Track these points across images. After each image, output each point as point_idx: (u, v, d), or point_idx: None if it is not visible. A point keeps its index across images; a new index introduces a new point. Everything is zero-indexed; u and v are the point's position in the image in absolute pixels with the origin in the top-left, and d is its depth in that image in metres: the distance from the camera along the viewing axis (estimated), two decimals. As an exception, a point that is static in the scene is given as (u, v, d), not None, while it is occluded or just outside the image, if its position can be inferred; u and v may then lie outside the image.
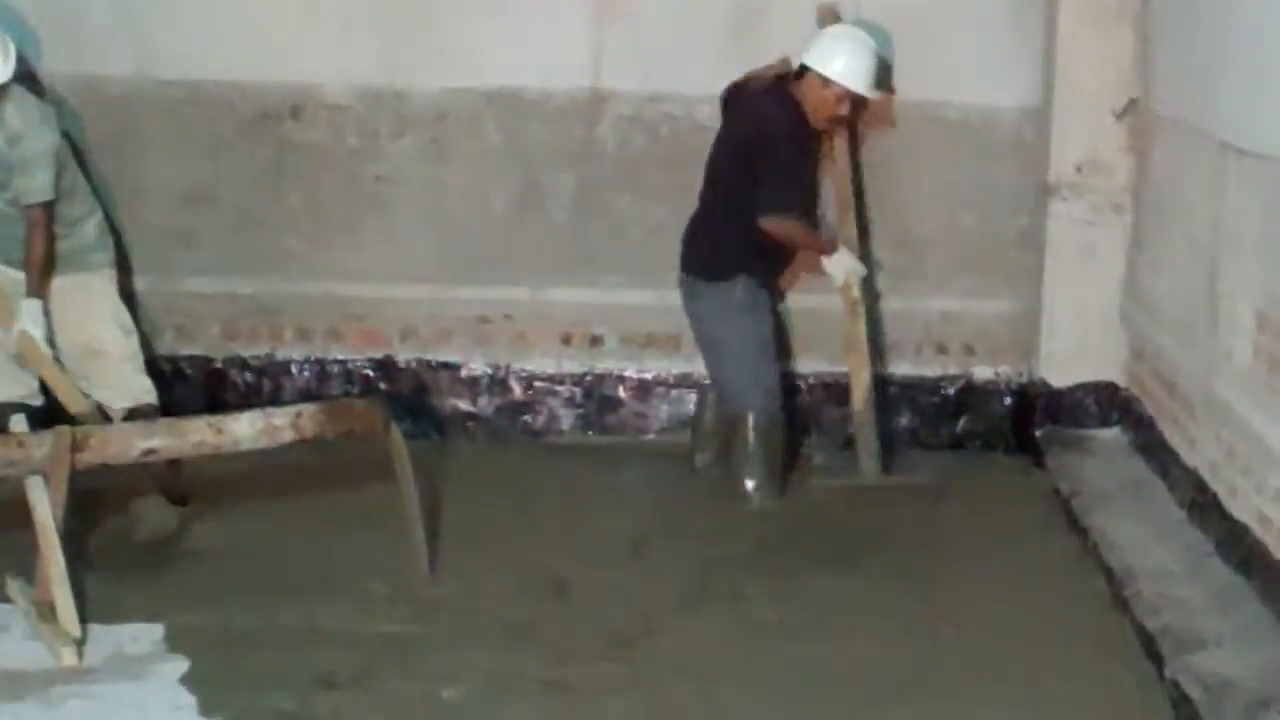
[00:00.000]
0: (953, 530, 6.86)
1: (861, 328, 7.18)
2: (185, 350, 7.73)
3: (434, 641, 5.68)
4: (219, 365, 7.79)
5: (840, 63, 6.88)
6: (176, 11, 7.54)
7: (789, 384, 7.44)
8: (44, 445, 5.67)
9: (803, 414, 7.63)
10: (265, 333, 7.81)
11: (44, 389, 6.77)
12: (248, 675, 5.40)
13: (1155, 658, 5.45)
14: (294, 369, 7.82)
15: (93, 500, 6.19)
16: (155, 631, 5.66)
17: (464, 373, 7.82)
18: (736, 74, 7.38)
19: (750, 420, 6.99)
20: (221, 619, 5.77)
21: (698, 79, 7.54)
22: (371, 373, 7.80)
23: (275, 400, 7.54)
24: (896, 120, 7.49)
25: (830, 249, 7.11)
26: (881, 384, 7.57)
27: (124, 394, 6.75)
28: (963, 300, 7.74)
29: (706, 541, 6.63)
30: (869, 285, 7.42)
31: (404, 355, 7.81)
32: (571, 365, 7.81)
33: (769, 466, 6.99)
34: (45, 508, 5.59)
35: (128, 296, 7.12)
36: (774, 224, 6.87)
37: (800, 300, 7.55)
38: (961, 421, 7.79)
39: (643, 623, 5.86)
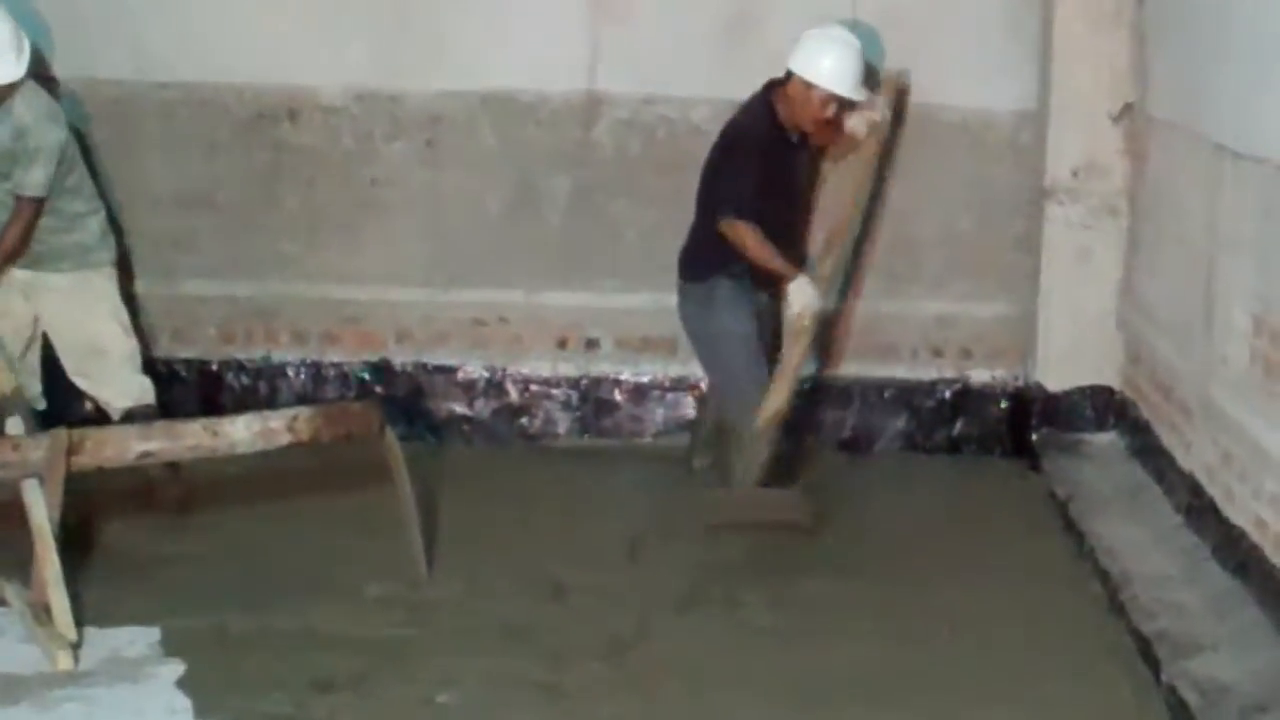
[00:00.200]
0: (948, 534, 6.86)
1: (800, 359, 6.92)
2: (181, 353, 7.73)
3: (430, 645, 5.68)
4: (215, 368, 7.78)
5: (823, 65, 6.80)
6: (173, 14, 7.54)
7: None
8: (40, 448, 5.66)
9: (798, 415, 7.62)
10: (261, 335, 7.81)
11: (48, 394, 6.78)
12: (244, 679, 5.39)
13: (1152, 662, 5.45)
14: (290, 372, 7.81)
15: (89, 503, 6.18)
16: (151, 635, 5.66)
17: (460, 376, 7.82)
18: (732, 78, 7.39)
19: (730, 422, 7.00)
20: (218, 622, 5.76)
21: (693, 82, 7.56)
22: (367, 376, 7.80)
23: (271, 403, 7.54)
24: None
25: (790, 273, 6.83)
26: (880, 388, 7.60)
27: (123, 393, 6.76)
28: (959, 303, 7.74)
29: (702, 545, 6.62)
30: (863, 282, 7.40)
31: (400, 358, 7.81)
32: (567, 368, 7.81)
33: (748, 468, 6.97)
34: (41, 510, 5.59)
35: (124, 299, 7.10)
36: (726, 228, 6.82)
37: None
38: (957, 425, 7.79)
39: (639, 626, 5.86)
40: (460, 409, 7.82)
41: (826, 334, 7.55)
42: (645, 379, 7.80)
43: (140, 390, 6.81)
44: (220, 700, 5.24)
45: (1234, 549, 5.86)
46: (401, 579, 6.10)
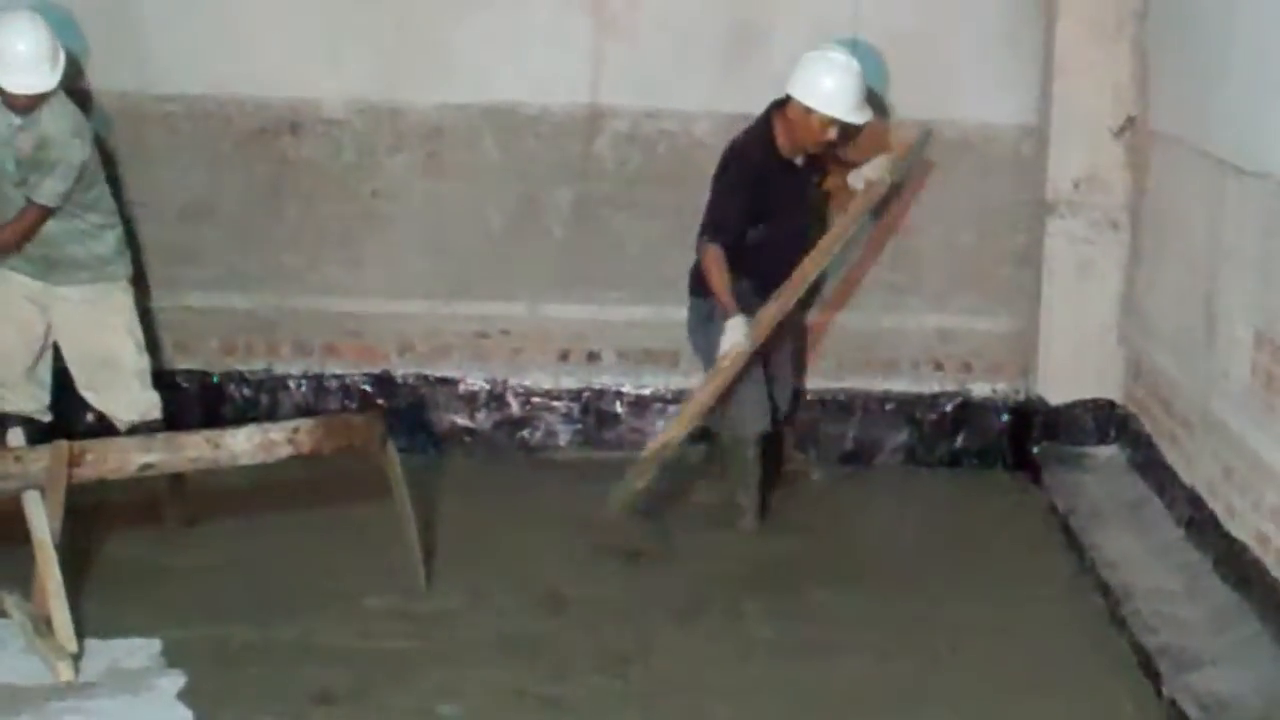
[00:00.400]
0: (950, 548, 6.86)
1: (710, 398, 6.82)
2: (183, 364, 7.73)
3: (431, 657, 5.67)
4: (217, 380, 7.78)
5: (822, 89, 6.72)
6: (175, 27, 7.53)
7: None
8: (41, 459, 5.66)
9: (800, 429, 7.63)
10: (263, 348, 7.81)
11: (55, 407, 6.82)
12: (245, 690, 5.40)
13: (1153, 676, 5.45)
14: (292, 384, 7.81)
15: (90, 514, 6.18)
16: (152, 646, 5.66)
17: (461, 388, 7.82)
18: (733, 92, 7.41)
19: (727, 436, 7.01)
20: (219, 634, 5.76)
21: (696, 96, 7.57)
22: (369, 388, 7.80)
23: (273, 415, 7.53)
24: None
25: (731, 311, 6.72)
26: (881, 401, 7.61)
27: (130, 408, 6.76)
28: (960, 317, 7.75)
29: (704, 558, 6.62)
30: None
31: (401, 370, 7.81)
32: (569, 381, 7.81)
33: (742, 482, 6.97)
34: (43, 522, 5.59)
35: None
36: (700, 249, 6.84)
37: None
38: (959, 438, 7.79)
39: (640, 639, 5.86)
40: (462, 421, 7.82)
41: (817, 345, 7.60)
42: (647, 391, 7.80)
43: (148, 406, 6.81)
44: (221, 712, 5.25)
45: (1235, 563, 5.86)
46: (402, 591, 6.10)
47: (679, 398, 7.69)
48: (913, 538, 6.97)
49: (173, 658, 5.59)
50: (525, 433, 7.83)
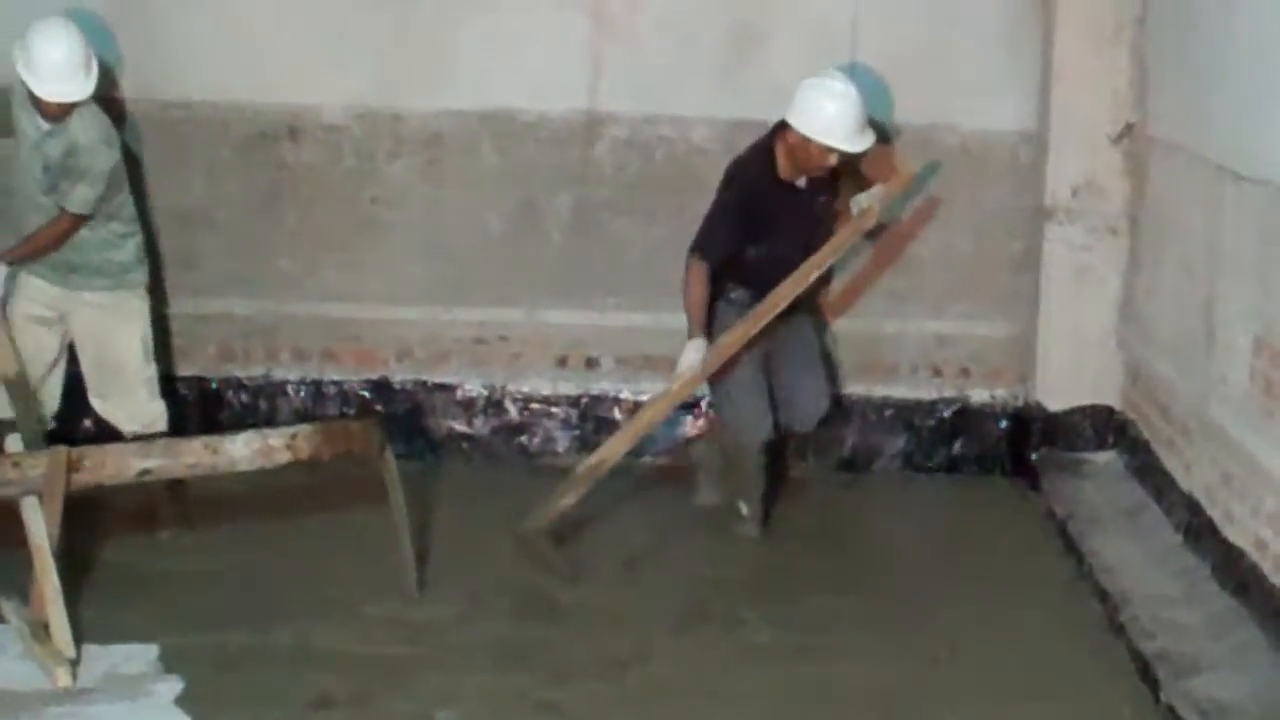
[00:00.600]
0: (948, 553, 6.86)
1: (653, 417, 6.82)
2: (181, 371, 7.72)
3: (429, 663, 5.68)
4: (215, 386, 7.78)
5: (820, 119, 6.62)
6: (174, 33, 7.53)
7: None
8: (39, 465, 5.66)
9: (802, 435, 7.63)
10: (261, 353, 7.81)
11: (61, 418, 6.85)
12: (243, 696, 5.40)
13: (1151, 682, 5.46)
14: (290, 390, 7.81)
15: (88, 520, 6.18)
16: (150, 652, 5.66)
17: (460, 394, 7.81)
18: (732, 98, 7.41)
19: (726, 443, 7.02)
20: (217, 639, 5.76)
21: (694, 102, 7.57)
22: (367, 394, 7.80)
23: (271, 421, 7.53)
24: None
25: (694, 333, 6.71)
26: (879, 408, 7.62)
27: (136, 418, 6.76)
28: (959, 323, 7.75)
29: (702, 564, 6.62)
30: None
31: (400, 376, 7.81)
32: (567, 387, 7.81)
33: (740, 488, 6.96)
34: (40, 528, 5.59)
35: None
36: (686, 262, 6.82)
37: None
38: (957, 444, 7.79)
39: (638, 645, 5.86)
40: (460, 427, 7.82)
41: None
42: (645, 397, 7.74)
43: (153, 416, 6.81)
44: (219, 717, 5.26)
45: (1233, 569, 5.86)
46: (401, 597, 6.11)
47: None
48: (911, 543, 6.97)
49: (170, 663, 5.59)
50: (523, 439, 7.83)
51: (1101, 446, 7.55)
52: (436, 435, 7.79)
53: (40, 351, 6.73)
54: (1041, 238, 7.51)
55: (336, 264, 7.75)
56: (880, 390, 7.75)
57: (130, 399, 6.78)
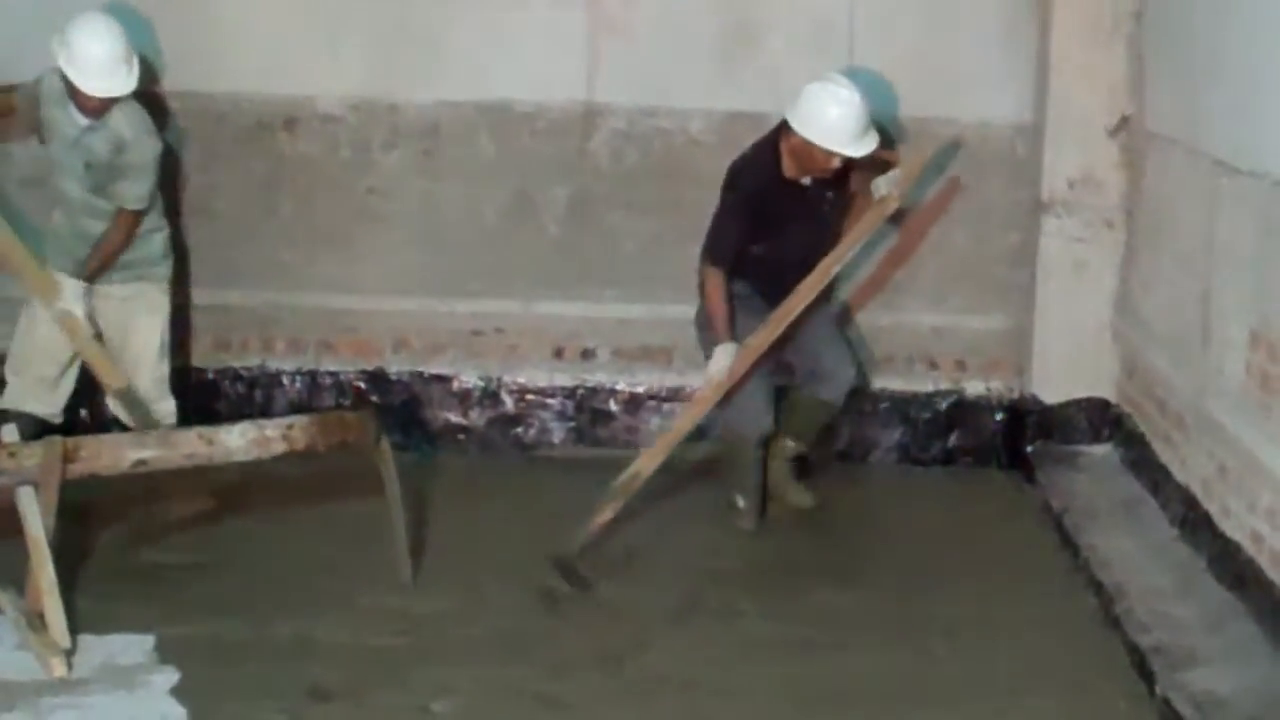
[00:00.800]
0: (944, 546, 6.85)
1: (688, 426, 6.74)
2: (177, 361, 7.69)
3: (426, 654, 5.67)
4: (211, 376, 7.77)
5: (822, 123, 6.60)
6: (170, 23, 7.52)
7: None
8: (35, 455, 5.66)
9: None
10: (257, 344, 7.81)
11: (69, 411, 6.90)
12: (239, 687, 5.39)
13: (1146, 675, 5.45)
14: (286, 380, 7.81)
15: (84, 510, 6.18)
16: (146, 642, 5.65)
17: (455, 385, 7.81)
18: (729, 90, 7.40)
19: (726, 439, 7.02)
20: (213, 630, 5.76)
21: (691, 94, 7.58)
22: (363, 385, 7.80)
23: (267, 412, 7.53)
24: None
25: (723, 338, 6.70)
26: (875, 400, 7.63)
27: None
28: (955, 316, 7.75)
29: (700, 556, 6.63)
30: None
31: (396, 367, 7.81)
32: (563, 378, 7.81)
33: (739, 483, 6.96)
34: (36, 518, 5.59)
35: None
36: (701, 270, 6.83)
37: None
38: (953, 437, 7.79)
39: (636, 637, 5.86)
40: (456, 418, 7.82)
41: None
42: (641, 389, 7.80)
43: (164, 413, 6.83)
44: (215, 708, 5.24)
45: (1229, 562, 5.87)
46: (397, 588, 6.11)
47: (673, 395, 7.71)
48: (907, 536, 6.97)
49: (166, 654, 5.58)
50: (519, 430, 7.84)
51: (1097, 439, 7.55)
52: (432, 426, 7.79)
53: (57, 350, 6.74)
54: (1038, 231, 7.51)
55: (332, 255, 7.75)
56: (876, 383, 7.75)
57: (143, 394, 6.77)
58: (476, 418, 7.83)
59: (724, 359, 6.68)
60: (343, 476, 6.47)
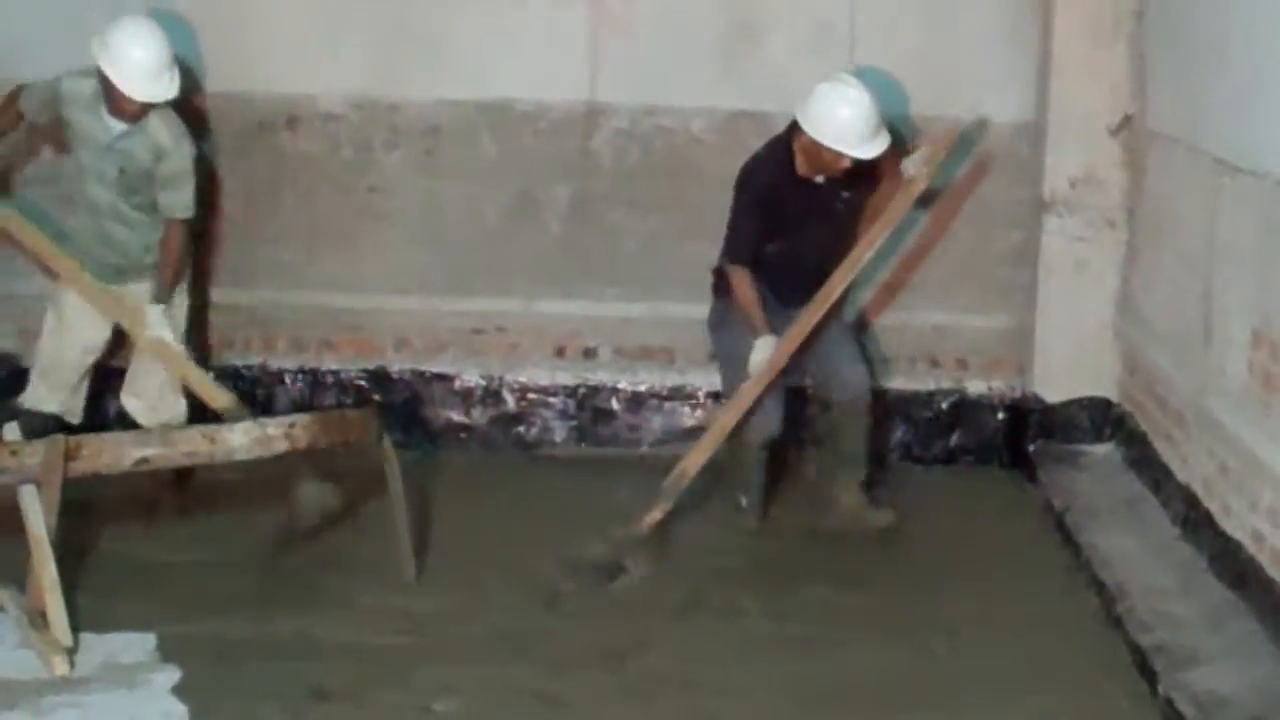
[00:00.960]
0: (946, 545, 6.86)
1: (731, 421, 6.73)
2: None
3: (428, 653, 5.67)
4: (213, 375, 7.74)
5: (831, 124, 6.58)
6: (172, 23, 7.51)
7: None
8: (37, 454, 5.66)
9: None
10: (259, 342, 7.81)
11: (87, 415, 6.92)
12: (240, 685, 5.39)
13: (1148, 674, 5.45)
14: (287, 379, 7.81)
15: (86, 508, 6.18)
16: (148, 641, 5.65)
17: (457, 384, 7.82)
18: (731, 89, 7.40)
19: (730, 438, 7.01)
20: (214, 629, 5.76)
21: (693, 93, 7.58)
22: (365, 383, 7.80)
23: (268, 410, 7.51)
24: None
25: (761, 331, 6.70)
26: (877, 399, 7.61)
27: (155, 413, 6.78)
28: (957, 314, 7.75)
29: (702, 554, 6.62)
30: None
31: (397, 366, 7.81)
32: (565, 377, 7.81)
33: (742, 483, 6.96)
34: (38, 516, 5.59)
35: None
36: (727, 270, 6.84)
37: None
38: (954, 436, 7.79)
39: (637, 635, 5.86)
40: (457, 417, 7.82)
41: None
42: (643, 388, 7.80)
43: (174, 414, 6.82)
44: (216, 707, 5.24)
45: (1231, 561, 5.87)
46: (399, 587, 6.11)
47: (675, 394, 7.72)
48: (908, 535, 6.96)
49: (168, 652, 5.58)
50: (521, 429, 7.84)
51: (1099, 438, 7.55)
52: (434, 425, 7.80)
53: (83, 354, 6.77)
54: (1040, 230, 7.51)
55: (334, 254, 7.75)
56: (878, 381, 7.74)
57: (155, 394, 6.81)
58: (478, 416, 7.83)
59: (763, 352, 6.69)
60: (344, 475, 6.46)
